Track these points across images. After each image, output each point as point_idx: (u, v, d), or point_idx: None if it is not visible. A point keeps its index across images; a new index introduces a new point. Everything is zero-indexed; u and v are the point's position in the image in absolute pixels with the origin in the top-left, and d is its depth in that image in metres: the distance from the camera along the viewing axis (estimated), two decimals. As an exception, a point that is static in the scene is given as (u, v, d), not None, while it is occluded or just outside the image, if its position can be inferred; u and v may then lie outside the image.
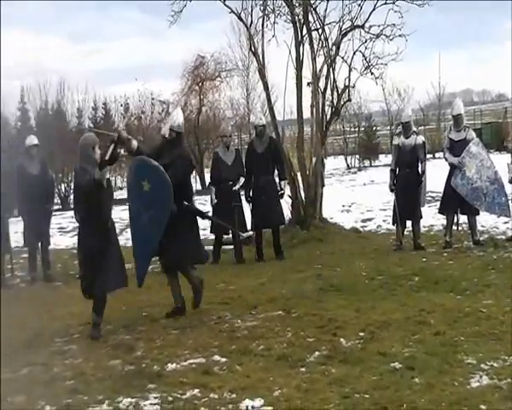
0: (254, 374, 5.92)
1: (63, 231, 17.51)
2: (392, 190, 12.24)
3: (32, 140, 11.93)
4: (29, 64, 48.32)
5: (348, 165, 31.78)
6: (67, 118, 28.88)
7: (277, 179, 12.59)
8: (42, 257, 11.80)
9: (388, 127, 34.77)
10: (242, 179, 12.31)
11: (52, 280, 11.60)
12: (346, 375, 5.79)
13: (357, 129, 34.57)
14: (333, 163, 31.34)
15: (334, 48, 14.63)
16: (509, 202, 11.90)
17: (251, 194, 12.34)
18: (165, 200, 7.84)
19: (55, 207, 17.74)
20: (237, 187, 12.19)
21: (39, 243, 11.80)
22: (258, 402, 5.25)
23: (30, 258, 11.81)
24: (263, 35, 14.81)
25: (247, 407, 5.21)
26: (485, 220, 13.31)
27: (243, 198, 12.45)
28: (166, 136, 8.52)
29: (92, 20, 70.98)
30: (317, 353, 6.44)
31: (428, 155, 24.29)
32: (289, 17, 14.62)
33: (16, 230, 12.55)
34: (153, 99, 28.48)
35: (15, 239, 12.51)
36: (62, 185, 24.24)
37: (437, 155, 28.56)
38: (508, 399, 5.07)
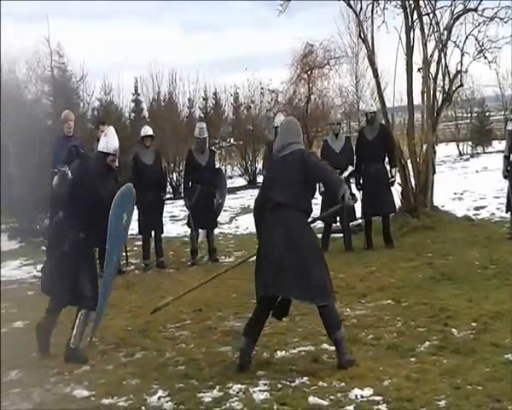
0: (364, 363, 5.91)
1: (175, 220, 17.88)
2: (505, 177, 11.87)
3: (147, 131, 12.24)
4: (142, 55, 49.19)
5: (460, 152, 30.97)
6: (179, 108, 29.37)
7: (388, 167, 12.44)
8: (155, 245, 12.10)
9: (502, 112, 33.70)
10: (351, 167, 12.24)
11: (165, 267, 11.90)
12: (458, 366, 5.71)
13: (469, 115, 33.69)
14: (444, 150, 30.60)
15: (445, 32, 14.31)
16: None
17: (361, 181, 12.26)
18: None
19: (168, 195, 18.13)
20: (346, 175, 12.11)
21: (153, 232, 12.11)
22: (367, 391, 5.24)
23: (144, 246, 12.13)
24: (372, 21, 14.66)
25: (356, 395, 5.21)
26: None
27: (353, 186, 12.38)
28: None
29: (203, 10, 71.72)
30: (427, 343, 6.38)
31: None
32: (399, 2, 14.39)
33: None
34: (262, 88, 28.60)
35: (131, 227, 12.88)
36: (174, 174, 24.71)
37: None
38: None
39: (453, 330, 6.70)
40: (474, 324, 6.87)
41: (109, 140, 6.99)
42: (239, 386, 5.56)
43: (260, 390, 5.47)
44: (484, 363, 5.73)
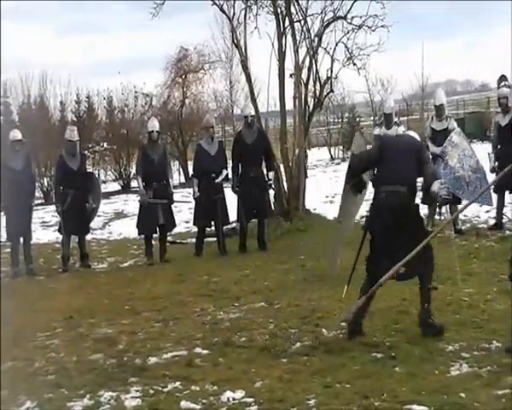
0: (237, 366, 5.93)
1: (46, 226, 17.43)
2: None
3: (16, 135, 11.87)
4: (11, 57, 47.74)
5: (332, 156, 31.77)
6: (50, 112, 28.68)
7: (265, 171, 12.54)
8: (24, 251, 11.74)
9: (372, 118, 34.81)
10: (225, 172, 12.28)
11: (34, 274, 11.56)
12: (329, 365, 5.82)
13: (340, 120, 34.60)
14: (317, 154, 31.31)
15: (316, 39, 14.63)
16: (491, 190, 11.94)
17: (238, 185, 12.28)
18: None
19: (38, 201, 17.65)
20: (220, 179, 12.16)
21: (21, 238, 11.75)
22: (239, 394, 5.26)
23: (12, 253, 11.75)
24: (245, 27, 14.83)
25: (228, 398, 5.21)
26: (467, 210, 13.33)
27: (226, 190, 12.42)
28: None
29: (77, 10, 70.42)
30: (299, 344, 6.47)
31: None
32: (271, 9, 14.60)
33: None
34: (136, 92, 28.34)
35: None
36: (45, 179, 24.04)
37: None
38: (487, 386, 5.11)
39: (324, 330, 6.83)
40: (344, 323, 7.02)
41: None
42: (110, 393, 5.45)
43: (132, 397, 5.38)
44: (353, 361, 5.86)
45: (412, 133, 7.64)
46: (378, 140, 7.54)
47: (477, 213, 13.42)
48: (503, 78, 12.62)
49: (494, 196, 11.95)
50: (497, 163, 12.06)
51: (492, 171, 12.00)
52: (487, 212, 13.06)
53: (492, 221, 12.44)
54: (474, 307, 7.30)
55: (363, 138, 7.79)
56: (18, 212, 11.36)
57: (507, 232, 11.66)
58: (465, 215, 13.19)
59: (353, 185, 7.29)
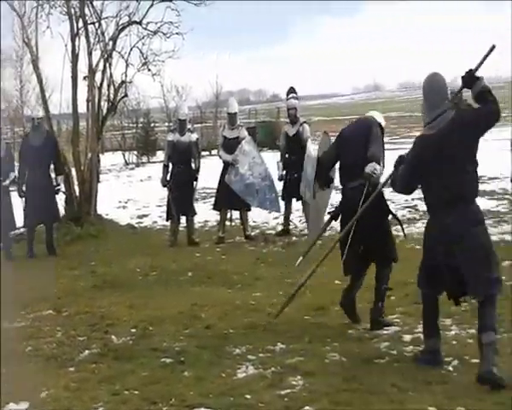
0: (22, 376, 5.72)
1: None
2: (164, 186, 12.33)
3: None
4: None
5: (126, 161, 31.51)
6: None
7: (53, 174, 12.21)
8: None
9: (166, 124, 34.97)
10: (13, 174, 11.83)
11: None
12: (117, 372, 5.77)
13: (135, 125, 34.43)
14: (110, 159, 30.94)
15: (110, 43, 14.47)
16: (279, 198, 12.42)
17: (24, 189, 11.86)
18: None
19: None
20: (7, 182, 11.69)
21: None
22: (23, 405, 5.08)
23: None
24: (37, 26, 14.37)
25: (11, 410, 5.02)
26: (257, 216, 13.80)
27: (15, 194, 11.98)
28: None
29: None
30: (87, 351, 6.36)
31: (205, 153, 24.83)
32: (65, 9, 14.26)
33: None
34: None
35: None
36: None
37: (213, 151, 29.11)
38: (272, 387, 5.30)
39: (113, 337, 6.76)
40: (133, 330, 6.99)
41: None
42: None
43: None
44: (142, 368, 5.85)
45: (373, 113, 7.32)
46: (337, 136, 7.16)
47: (266, 219, 13.88)
48: (291, 90, 13.12)
49: (282, 203, 12.45)
50: (284, 171, 12.54)
51: (280, 179, 12.48)
52: (275, 218, 13.55)
53: (280, 227, 12.92)
54: (261, 310, 7.54)
55: (328, 139, 7.55)
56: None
57: (293, 238, 12.15)
58: (254, 221, 13.61)
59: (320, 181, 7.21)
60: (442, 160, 5.31)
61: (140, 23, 14.56)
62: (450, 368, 5.49)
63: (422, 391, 5.05)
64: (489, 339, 5.13)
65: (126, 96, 16.03)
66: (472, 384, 5.09)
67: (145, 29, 14.62)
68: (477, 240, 5.30)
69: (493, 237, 6.54)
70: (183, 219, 12.44)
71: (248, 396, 5.11)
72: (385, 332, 6.57)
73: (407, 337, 6.36)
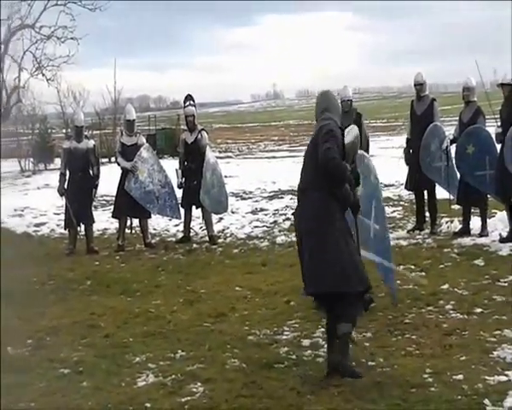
0: None
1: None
2: (62, 194, 12.06)
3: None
4: None
5: (22, 168, 30.68)
6: None
7: None
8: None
9: (64, 130, 34.31)
10: None
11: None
12: (13, 384, 5.62)
13: (31, 131, 33.61)
14: (5, 166, 30.08)
15: (2, 46, 14.13)
16: (179, 204, 12.38)
17: None
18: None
19: None
20: None
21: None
22: None
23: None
24: None
25: None
26: (158, 223, 13.71)
27: None
28: None
29: None
30: (-19, 363, 6.17)
31: (105, 159, 24.51)
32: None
33: None
34: None
35: None
36: None
37: (113, 159, 28.75)
38: (172, 394, 5.31)
39: (8, 348, 6.58)
40: (29, 341, 6.84)
41: None
42: None
43: None
44: (39, 379, 5.75)
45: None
46: None
47: (166, 226, 13.81)
48: (188, 97, 13.13)
49: (182, 211, 12.41)
50: (184, 179, 12.50)
51: (180, 186, 12.43)
52: (176, 226, 13.49)
53: (180, 234, 12.87)
54: (161, 317, 7.52)
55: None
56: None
57: (194, 245, 12.13)
58: (155, 229, 13.51)
59: None
60: None
61: (33, 27, 14.31)
62: (347, 371, 5.61)
63: (320, 394, 5.15)
64: (342, 331, 5.51)
65: (20, 101, 15.69)
66: (367, 387, 5.23)
67: (38, 33, 14.38)
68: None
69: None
70: (82, 227, 12.22)
71: (148, 405, 5.09)
72: (284, 337, 6.66)
73: (306, 342, 6.47)
